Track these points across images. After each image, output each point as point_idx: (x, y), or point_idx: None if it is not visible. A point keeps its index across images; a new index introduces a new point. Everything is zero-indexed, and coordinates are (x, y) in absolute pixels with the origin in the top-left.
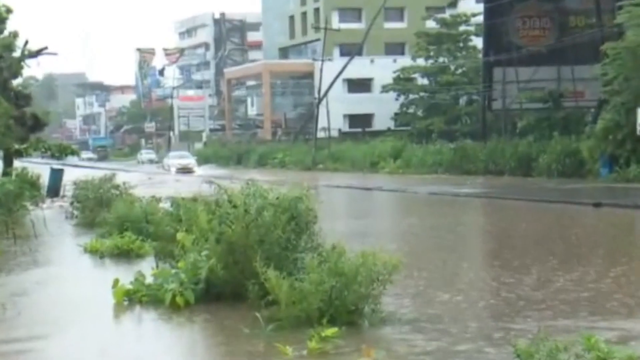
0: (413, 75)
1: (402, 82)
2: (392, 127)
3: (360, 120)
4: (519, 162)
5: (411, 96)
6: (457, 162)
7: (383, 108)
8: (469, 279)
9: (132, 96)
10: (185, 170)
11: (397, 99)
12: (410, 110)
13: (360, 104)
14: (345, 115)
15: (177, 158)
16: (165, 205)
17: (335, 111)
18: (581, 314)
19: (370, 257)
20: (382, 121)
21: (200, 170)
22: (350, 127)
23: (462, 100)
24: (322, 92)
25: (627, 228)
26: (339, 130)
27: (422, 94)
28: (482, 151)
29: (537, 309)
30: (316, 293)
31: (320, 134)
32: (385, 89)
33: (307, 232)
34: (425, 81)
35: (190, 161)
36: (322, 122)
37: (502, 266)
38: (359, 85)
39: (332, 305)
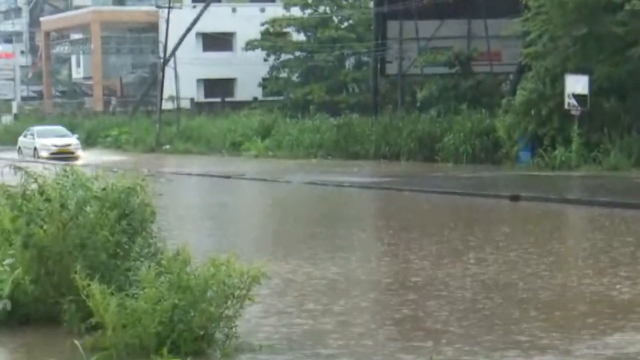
0: (286, 29)
1: (272, 38)
2: (260, 97)
3: (218, 88)
4: (419, 143)
5: (284, 56)
6: (342, 142)
7: (248, 72)
8: (348, 292)
9: None
10: (63, 155)
11: (265, 60)
12: (283, 75)
13: (218, 66)
14: (199, 81)
15: (50, 136)
16: None
17: (186, 75)
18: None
19: (224, 267)
20: (247, 89)
21: (86, 155)
22: (206, 96)
23: (349, 63)
24: (169, 50)
25: (549, 228)
26: (192, 100)
27: (297, 53)
28: (373, 129)
29: (432, 336)
30: (153, 314)
31: (167, 105)
32: (250, 46)
33: (143, 233)
34: (301, 37)
35: (71, 141)
36: (169, 89)
37: (399, 283)
38: (217, 42)
39: (175, 330)
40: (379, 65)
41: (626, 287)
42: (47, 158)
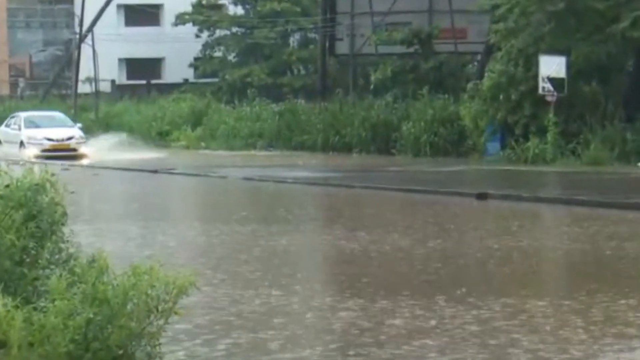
0: (221, 1)
1: (205, 11)
2: (191, 79)
3: (144, 68)
4: (373, 132)
5: (218, 32)
6: (285, 132)
7: (177, 50)
8: (293, 304)
9: None
10: (61, 153)
11: (198, 37)
12: (218, 54)
13: (143, 43)
14: (121, 60)
15: (43, 126)
16: None
17: (106, 54)
18: None
19: (147, 276)
20: (176, 70)
21: (90, 150)
22: (128, 78)
23: (293, 41)
24: (87, 25)
25: (519, 230)
26: (112, 82)
27: (234, 29)
28: (321, 116)
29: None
30: (65, 330)
31: (84, 88)
32: (180, 20)
33: (53, 237)
34: (239, 10)
35: (73, 133)
36: (86, 70)
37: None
38: (142, 15)
39: (89, 348)
40: (327, 44)
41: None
42: (39, 157)
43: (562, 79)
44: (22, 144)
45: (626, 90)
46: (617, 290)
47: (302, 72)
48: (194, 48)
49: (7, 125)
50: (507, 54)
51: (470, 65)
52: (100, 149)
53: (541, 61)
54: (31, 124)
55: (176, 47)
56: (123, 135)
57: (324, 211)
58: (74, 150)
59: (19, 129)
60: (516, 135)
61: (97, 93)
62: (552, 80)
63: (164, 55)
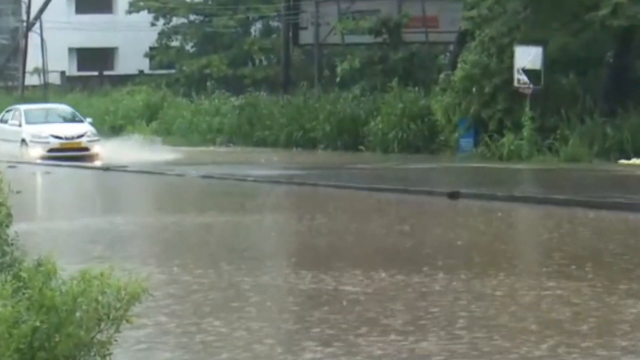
0: None
1: None
2: (146, 70)
3: (95, 59)
4: (339, 127)
5: (175, 21)
6: (246, 127)
7: (132, 39)
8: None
9: None
10: (72, 153)
11: (153, 25)
12: (175, 44)
13: (95, 32)
14: (71, 50)
15: (48, 122)
16: None
17: (55, 43)
18: None
19: (97, 282)
20: (131, 60)
21: (106, 151)
22: (79, 69)
23: (255, 29)
24: (34, 12)
25: (492, 232)
26: (62, 73)
27: (192, 17)
28: (284, 110)
29: None
30: (9, 339)
31: (32, 80)
32: (134, 8)
33: None
34: None
35: (84, 129)
36: (34, 60)
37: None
38: (94, 2)
39: (35, 358)
40: (291, 33)
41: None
42: (45, 157)
43: (538, 71)
44: (23, 142)
45: (606, 82)
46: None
47: (264, 63)
48: (149, 37)
49: (3, 121)
50: (480, 43)
51: (442, 56)
52: (113, 150)
53: (516, 52)
54: (34, 119)
55: (130, 36)
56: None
57: (285, 212)
58: (86, 149)
59: (19, 125)
60: (490, 131)
61: (45, 85)
62: (527, 72)
63: (117, 44)
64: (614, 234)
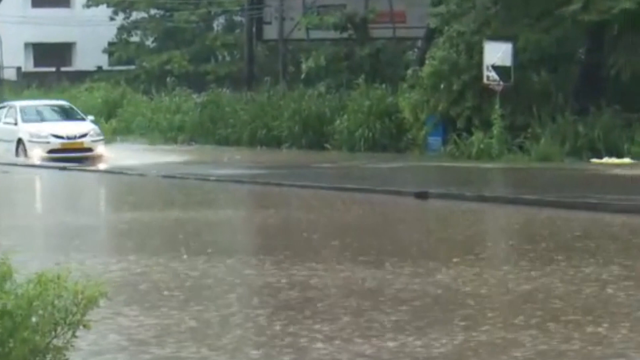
0: None
1: None
2: (105, 66)
3: (53, 54)
4: (305, 125)
5: (135, 15)
6: (208, 125)
7: (90, 34)
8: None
9: None
10: (74, 154)
11: (112, 19)
12: (135, 39)
13: (52, 26)
14: (27, 45)
15: (47, 119)
16: None
17: (11, 38)
18: None
19: (53, 285)
20: (89, 56)
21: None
22: (36, 64)
23: (218, 24)
24: None
25: (462, 233)
26: (18, 69)
27: (153, 11)
28: (248, 107)
29: None
30: None
31: None
32: (92, 2)
33: None
34: None
35: (87, 128)
36: None
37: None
38: None
39: None
40: (254, 28)
41: None
42: (45, 159)
43: (508, 68)
44: (20, 142)
45: (577, 79)
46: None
47: (227, 58)
48: (108, 32)
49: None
50: (448, 39)
51: (410, 52)
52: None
53: (485, 48)
54: (31, 117)
55: (88, 31)
56: None
57: (245, 211)
58: (89, 150)
59: (15, 124)
60: (459, 129)
61: (0, 81)
62: (497, 68)
63: (75, 39)
64: (580, 232)
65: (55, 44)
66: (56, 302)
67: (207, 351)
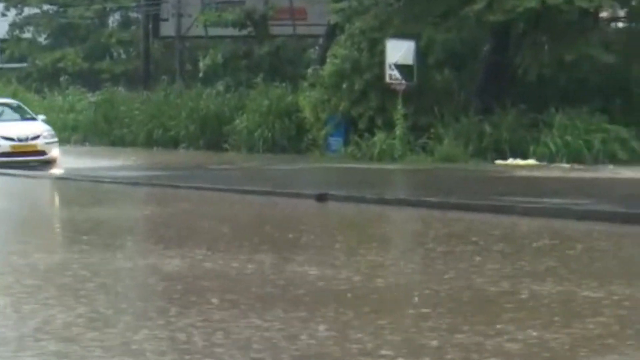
0: None
1: None
2: None
3: None
4: (203, 125)
5: (27, 11)
6: (102, 124)
7: None
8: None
9: None
10: (26, 157)
11: (4, 16)
12: (27, 36)
13: None
14: None
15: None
16: None
17: None
18: None
19: None
20: None
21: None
22: None
23: (113, 21)
24: None
25: (358, 237)
26: None
27: (45, 7)
28: (143, 107)
29: None
30: None
31: None
32: None
33: None
34: None
35: (39, 129)
36: None
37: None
38: None
39: None
40: (151, 25)
41: None
42: None
43: (410, 66)
44: None
45: (481, 78)
46: None
47: (123, 56)
48: (0, 29)
49: None
50: (350, 37)
51: (311, 50)
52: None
53: (388, 46)
54: None
55: None
56: None
57: (143, 214)
58: (43, 153)
59: None
60: (361, 130)
61: None
62: (399, 67)
63: None
64: (480, 235)
65: None
66: None
67: None
